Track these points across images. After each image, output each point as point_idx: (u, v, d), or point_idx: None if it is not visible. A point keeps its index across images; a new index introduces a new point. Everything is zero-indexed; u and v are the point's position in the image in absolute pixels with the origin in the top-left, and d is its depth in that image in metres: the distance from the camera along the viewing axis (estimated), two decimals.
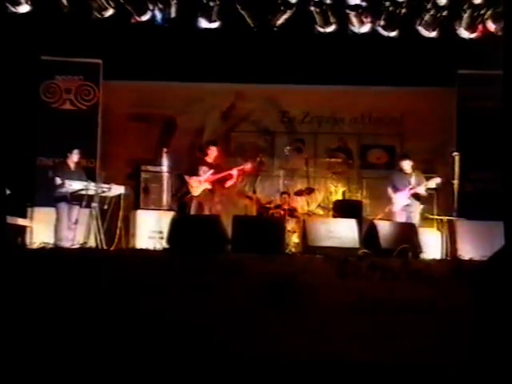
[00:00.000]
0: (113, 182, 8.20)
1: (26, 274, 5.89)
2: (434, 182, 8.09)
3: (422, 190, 8.16)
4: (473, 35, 8.02)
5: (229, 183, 8.64)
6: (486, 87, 9.21)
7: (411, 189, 8.20)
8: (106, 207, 8.50)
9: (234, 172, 8.53)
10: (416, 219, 8.14)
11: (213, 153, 8.61)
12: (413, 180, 8.24)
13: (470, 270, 5.75)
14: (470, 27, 7.95)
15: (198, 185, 8.52)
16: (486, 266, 2.51)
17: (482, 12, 7.84)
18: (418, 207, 8.27)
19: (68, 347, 5.80)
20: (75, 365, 5.66)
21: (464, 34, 8.01)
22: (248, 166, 8.67)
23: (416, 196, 8.25)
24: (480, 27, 7.97)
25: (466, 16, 7.88)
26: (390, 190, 8.43)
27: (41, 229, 8.39)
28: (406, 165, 8.39)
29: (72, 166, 8.36)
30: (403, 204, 8.23)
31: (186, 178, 8.61)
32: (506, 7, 6.61)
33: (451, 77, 9.32)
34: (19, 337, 5.67)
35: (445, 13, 7.83)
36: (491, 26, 7.92)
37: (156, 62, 9.32)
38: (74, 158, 8.34)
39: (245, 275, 5.95)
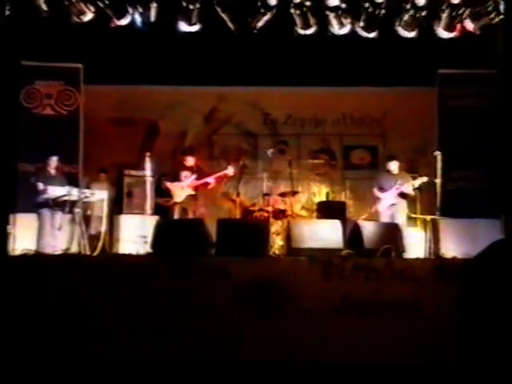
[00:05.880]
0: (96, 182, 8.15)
1: (8, 281, 5.84)
2: (421, 181, 8.15)
3: (409, 189, 8.22)
4: (452, 35, 8.07)
5: (210, 186, 8.66)
6: (466, 86, 9.31)
7: (398, 188, 8.26)
8: (88, 213, 8.47)
9: (211, 180, 8.54)
10: (402, 218, 8.20)
11: (191, 161, 8.62)
12: (399, 180, 8.30)
13: (453, 268, 5.80)
14: (449, 27, 8.01)
15: (181, 191, 8.50)
16: (471, 264, 2.52)
17: (461, 12, 7.89)
18: (403, 206, 8.32)
19: (51, 352, 5.74)
20: (63, 368, 5.60)
21: (443, 33, 8.06)
22: (230, 171, 8.67)
23: (402, 195, 8.31)
24: (459, 27, 8.03)
25: (444, 16, 7.92)
26: (375, 191, 8.48)
27: (23, 235, 8.31)
28: (393, 165, 8.46)
29: (52, 171, 8.31)
30: (390, 203, 8.29)
31: (168, 184, 8.58)
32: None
33: (431, 76, 9.38)
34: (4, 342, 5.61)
35: (424, 13, 7.87)
36: (470, 26, 7.98)
37: (137, 66, 9.29)
38: (53, 164, 8.29)
39: (229, 278, 5.95)
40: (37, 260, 6.37)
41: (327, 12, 7.90)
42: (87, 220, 8.42)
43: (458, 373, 2.36)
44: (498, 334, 2.29)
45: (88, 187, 8.67)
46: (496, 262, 2.39)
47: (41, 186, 8.00)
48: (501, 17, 7.78)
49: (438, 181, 7.79)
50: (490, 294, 2.35)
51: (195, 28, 8.00)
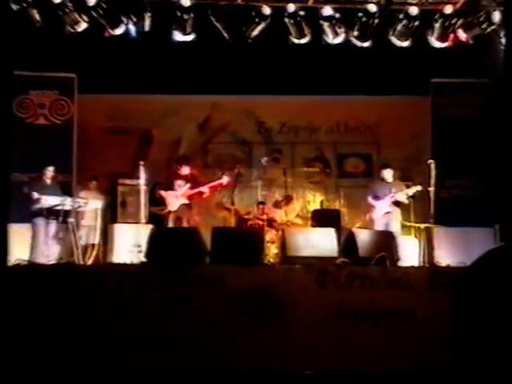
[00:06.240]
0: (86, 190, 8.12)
1: (2, 292, 5.81)
2: (415, 190, 8.18)
3: (403, 198, 8.24)
4: (445, 44, 8.13)
5: (204, 195, 8.67)
6: (459, 95, 9.38)
7: (392, 196, 8.29)
8: (82, 222, 8.44)
9: (205, 189, 8.54)
10: (396, 227, 8.21)
11: (186, 170, 8.62)
12: (394, 188, 8.32)
13: (448, 276, 5.81)
14: (442, 37, 8.06)
15: (175, 200, 8.50)
16: (466, 272, 2.53)
17: (453, 22, 7.95)
18: (398, 215, 8.34)
19: (45, 362, 5.72)
20: (56, 378, 5.57)
21: (436, 43, 8.11)
22: (225, 181, 8.67)
23: (396, 203, 8.33)
24: (451, 36, 8.08)
25: (437, 26, 7.98)
26: (370, 199, 8.50)
27: (16, 245, 8.26)
28: (387, 174, 8.48)
29: (48, 181, 8.29)
30: (384, 211, 8.31)
31: (163, 193, 8.58)
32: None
33: (425, 85, 9.44)
34: None
35: (417, 23, 7.93)
36: (462, 36, 8.03)
37: (131, 75, 9.30)
38: (49, 173, 8.27)
39: (224, 287, 5.94)
40: (30, 270, 6.34)
41: (321, 21, 7.94)
42: (81, 229, 8.40)
43: (453, 381, 2.36)
44: (492, 343, 2.30)
45: (78, 195, 8.65)
46: (491, 270, 2.40)
47: (35, 195, 7.98)
48: (493, 27, 7.84)
49: (432, 189, 7.81)
50: (485, 302, 2.36)
51: (190, 37, 8.01)
